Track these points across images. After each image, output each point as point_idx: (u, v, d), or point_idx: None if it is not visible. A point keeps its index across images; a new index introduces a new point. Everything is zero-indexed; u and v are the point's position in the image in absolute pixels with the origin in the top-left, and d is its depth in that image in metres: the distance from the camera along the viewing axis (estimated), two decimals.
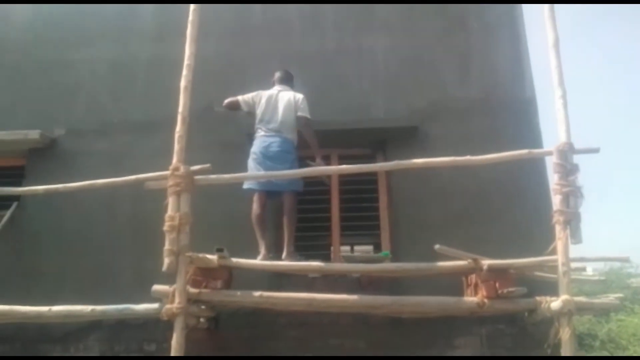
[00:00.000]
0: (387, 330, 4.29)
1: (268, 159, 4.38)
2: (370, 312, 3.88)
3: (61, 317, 3.83)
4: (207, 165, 3.90)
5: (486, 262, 3.71)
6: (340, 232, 5.00)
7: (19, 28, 5.89)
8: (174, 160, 3.85)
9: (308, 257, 4.35)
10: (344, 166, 4.02)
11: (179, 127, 3.94)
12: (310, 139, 4.47)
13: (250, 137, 4.99)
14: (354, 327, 4.30)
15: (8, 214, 4.95)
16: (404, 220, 4.81)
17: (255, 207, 4.40)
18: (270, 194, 4.47)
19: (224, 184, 4.10)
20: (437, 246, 3.63)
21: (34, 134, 5.10)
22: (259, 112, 4.63)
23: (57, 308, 3.75)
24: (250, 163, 4.48)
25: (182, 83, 4.04)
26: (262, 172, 4.27)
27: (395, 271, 3.85)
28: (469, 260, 3.80)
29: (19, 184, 4.86)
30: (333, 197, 5.07)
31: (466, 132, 5.00)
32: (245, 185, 4.46)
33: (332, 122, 5.00)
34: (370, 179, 5.08)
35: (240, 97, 4.80)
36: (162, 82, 5.01)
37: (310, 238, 4.90)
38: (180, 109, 3.99)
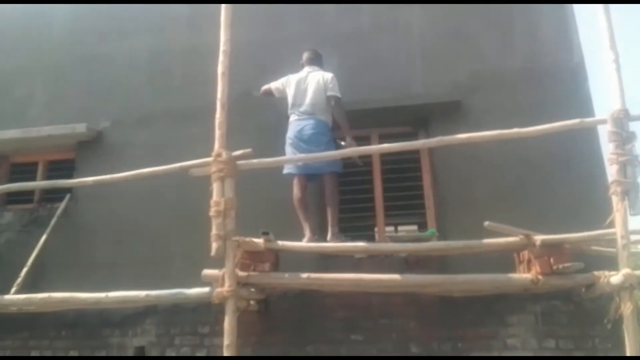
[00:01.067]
0: (438, 309, 4.23)
1: (303, 142, 4.37)
2: (419, 291, 3.83)
3: (118, 303, 3.98)
4: (249, 149, 3.92)
5: (539, 238, 3.59)
6: (384, 212, 4.95)
7: (58, 27, 6.04)
8: (216, 146, 3.89)
9: (353, 238, 4.33)
10: (385, 145, 3.94)
11: (218, 113, 3.97)
12: (340, 119, 4.41)
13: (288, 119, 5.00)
14: (403, 306, 4.26)
15: (62, 205, 5.15)
16: (450, 198, 4.70)
17: (296, 191, 4.41)
18: (310, 176, 4.47)
19: (266, 168, 4.11)
20: (486, 223, 3.53)
21: (80, 128, 5.27)
22: (290, 96, 4.62)
23: (113, 294, 3.89)
24: (287, 148, 4.48)
25: (219, 69, 4.06)
26: (300, 156, 4.24)
27: (443, 249, 3.78)
28: (521, 236, 3.68)
29: (70, 177, 5.02)
30: (375, 178, 5.01)
31: (512, 103, 4.82)
32: (285, 171, 4.47)
33: (370, 101, 4.92)
34: (413, 157, 4.98)
35: (272, 84, 4.80)
36: (200, 70, 5.05)
37: (354, 219, 4.88)
38: (218, 95, 4.02)
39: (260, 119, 5.12)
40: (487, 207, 4.40)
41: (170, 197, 4.95)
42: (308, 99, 4.50)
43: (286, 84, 4.71)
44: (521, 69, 4.97)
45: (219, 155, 3.80)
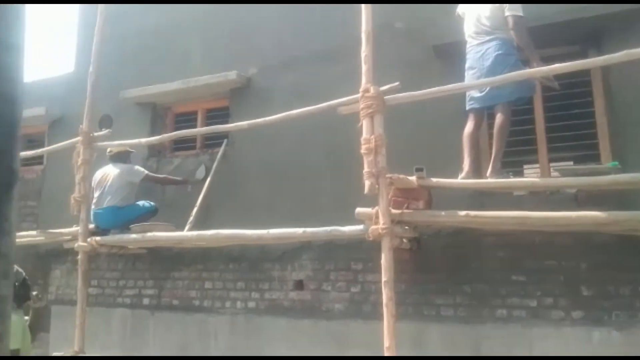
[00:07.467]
0: (615, 250, 3.77)
1: (488, 69, 3.88)
2: (594, 230, 3.41)
3: (277, 239, 4.21)
4: (396, 83, 3.75)
5: None
6: (547, 146, 4.46)
7: None
8: (363, 81, 3.77)
9: (514, 175, 3.99)
10: (555, 65, 3.43)
11: (364, 47, 3.82)
12: (521, 41, 3.85)
13: (436, 49, 4.67)
14: (573, 247, 3.88)
15: (221, 150, 5.53)
16: (631, 125, 4.05)
17: (469, 126, 4.04)
18: (491, 108, 4.04)
19: (415, 102, 3.90)
20: None
21: (232, 75, 5.51)
22: (466, 18, 4.19)
23: (274, 231, 4.12)
24: (468, 81, 4.02)
25: None
26: (457, 84, 3.85)
27: (630, 183, 3.25)
28: None
29: (226, 123, 5.32)
30: (536, 107, 4.50)
31: None
32: (468, 106, 4.08)
33: (528, 19, 4.34)
34: (582, 80, 4.35)
35: (458, 8, 4.38)
36: (341, 6, 4.91)
37: (510, 154, 4.48)
38: (363, 27, 3.85)
39: (405, 52, 4.86)
40: None
41: (320, 137, 5.00)
42: (485, 20, 4.02)
43: (464, 6, 4.27)
44: None
45: (366, 90, 3.69)
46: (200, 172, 5.60)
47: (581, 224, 3.26)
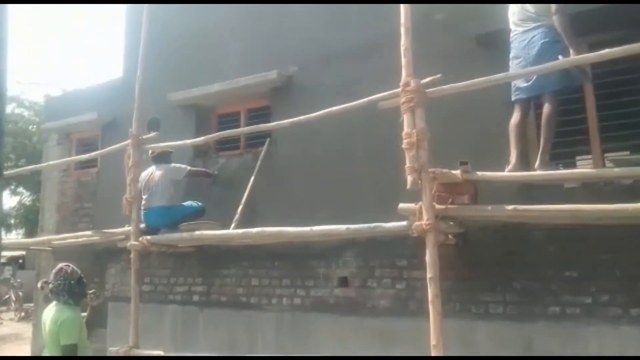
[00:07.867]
0: None
1: (534, 58, 3.75)
2: None
3: (321, 236, 4.22)
4: (438, 75, 3.67)
5: None
6: (599, 135, 4.25)
7: None
8: (403, 75, 3.71)
9: (564, 166, 3.82)
10: (606, 50, 3.26)
11: (403, 40, 3.76)
12: (562, 29, 3.70)
13: (479, 39, 4.54)
14: (630, 241, 3.67)
15: (264, 149, 5.61)
16: None
17: (515, 116, 3.93)
18: (538, 98, 3.91)
19: (457, 94, 3.80)
20: None
21: (272, 74, 5.57)
22: (510, 8, 4.06)
23: (317, 228, 4.14)
24: (514, 71, 3.91)
25: None
26: (502, 74, 3.73)
27: None
28: None
29: (268, 122, 5.38)
30: (588, 95, 4.29)
31: None
32: (514, 97, 3.97)
33: (577, 4, 4.15)
34: (637, 66, 4.11)
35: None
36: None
37: (562, 145, 4.29)
38: (402, 19, 3.79)
39: (444, 44, 4.75)
40: None
41: (361, 133, 4.97)
42: (530, 6, 3.90)
43: None
44: None
45: (407, 84, 3.63)
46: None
47: (638, 216, 3.09)
